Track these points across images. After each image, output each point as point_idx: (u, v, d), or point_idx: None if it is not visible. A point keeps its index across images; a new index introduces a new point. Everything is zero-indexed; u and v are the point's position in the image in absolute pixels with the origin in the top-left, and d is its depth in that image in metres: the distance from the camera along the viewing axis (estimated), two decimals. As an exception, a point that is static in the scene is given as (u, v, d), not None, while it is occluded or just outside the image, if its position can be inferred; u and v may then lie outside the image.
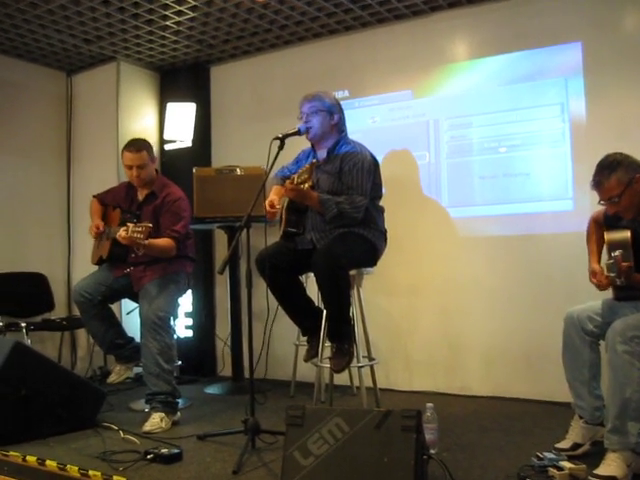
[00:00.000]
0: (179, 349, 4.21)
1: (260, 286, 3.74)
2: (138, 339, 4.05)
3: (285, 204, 3.81)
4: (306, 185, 3.51)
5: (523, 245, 4.41)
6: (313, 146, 3.90)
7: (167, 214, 4.01)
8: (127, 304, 4.53)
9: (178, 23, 4.83)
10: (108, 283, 4.05)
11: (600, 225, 3.22)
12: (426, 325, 4.72)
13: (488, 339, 4.50)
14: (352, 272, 3.66)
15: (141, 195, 4.16)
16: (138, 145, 4.07)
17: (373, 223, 3.75)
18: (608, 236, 3.02)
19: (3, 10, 4.51)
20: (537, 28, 4.39)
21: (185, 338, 5.48)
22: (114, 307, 4.22)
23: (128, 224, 3.67)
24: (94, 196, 4.37)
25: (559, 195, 4.30)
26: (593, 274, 3.06)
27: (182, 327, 5.52)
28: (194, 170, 4.88)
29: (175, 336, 4.03)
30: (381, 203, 3.88)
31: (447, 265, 4.65)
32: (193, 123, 5.60)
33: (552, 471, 2.79)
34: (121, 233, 3.67)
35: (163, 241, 3.91)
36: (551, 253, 4.31)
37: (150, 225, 3.65)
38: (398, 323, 4.80)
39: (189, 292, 4.65)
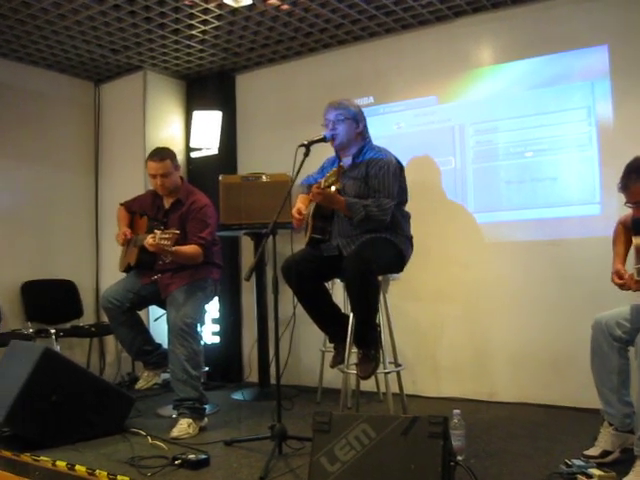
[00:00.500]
0: (206, 355, 4.23)
1: (286, 292, 3.76)
2: (166, 345, 4.08)
3: (311, 211, 3.82)
4: (333, 188, 3.52)
5: (550, 250, 4.38)
6: (337, 154, 3.92)
7: (193, 221, 4.04)
8: (155, 311, 4.57)
9: (204, 32, 4.87)
10: (136, 290, 4.09)
11: (627, 228, 3.19)
12: (452, 331, 4.70)
13: (515, 345, 4.48)
14: (379, 278, 3.66)
15: (167, 203, 4.20)
16: (161, 154, 4.11)
17: (399, 229, 3.76)
18: (637, 240, 2.99)
19: (32, 22, 4.59)
20: (562, 31, 4.37)
21: (212, 344, 5.51)
22: (142, 314, 4.26)
23: (155, 231, 3.71)
24: (121, 204, 4.43)
25: (586, 199, 4.27)
26: (617, 274, 3.03)
27: (209, 333, 5.55)
28: (220, 177, 4.92)
29: (202, 342, 4.04)
30: (406, 209, 3.88)
31: (473, 271, 4.64)
32: (219, 131, 5.64)
33: (581, 479, 2.77)
34: (148, 240, 3.70)
35: (190, 248, 3.93)
36: (578, 258, 4.27)
37: (177, 232, 3.68)
38: (424, 329, 4.80)
39: (216, 298, 4.67)
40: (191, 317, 3.89)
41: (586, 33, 4.28)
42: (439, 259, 4.74)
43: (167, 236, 3.64)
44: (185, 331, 3.83)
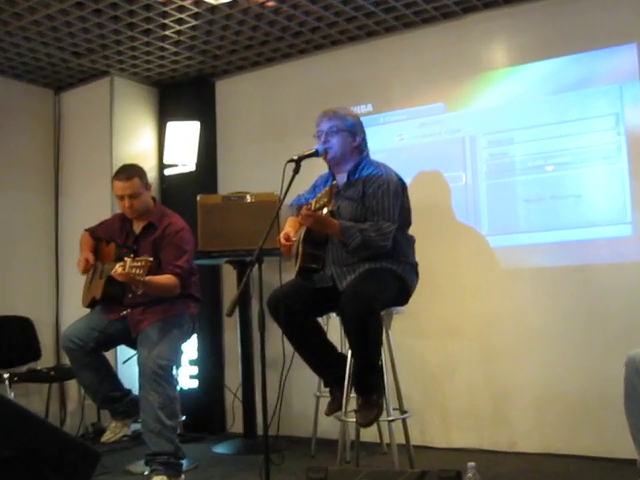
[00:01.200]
0: (183, 402, 4.24)
1: (274, 330, 3.74)
2: (136, 391, 4.07)
3: (301, 236, 3.81)
4: (325, 210, 3.53)
5: (575, 277, 4.40)
6: (331, 170, 3.94)
7: (168, 247, 4.06)
8: (123, 351, 4.57)
9: (178, 32, 4.92)
10: (102, 328, 4.09)
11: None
12: (465, 371, 4.71)
13: (538, 386, 4.48)
14: (381, 313, 3.64)
15: (137, 227, 4.22)
16: (129, 172, 4.14)
17: (403, 255, 3.76)
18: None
19: (-17, 22, 4.64)
20: (586, 29, 4.42)
21: (189, 390, 5.50)
22: (109, 355, 4.26)
23: (125, 259, 3.72)
24: (86, 230, 4.45)
25: (616, 219, 4.31)
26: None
27: (186, 377, 5.54)
28: (198, 198, 4.94)
29: (178, 387, 4.05)
30: (410, 232, 3.90)
31: (488, 302, 4.66)
32: (197, 144, 5.67)
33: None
34: (117, 269, 3.71)
35: (165, 278, 3.95)
36: (608, 286, 4.30)
37: (150, 259, 3.69)
38: (433, 369, 4.80)
39: (194, 337, 4.67)
40: (166, 358, 3.90)
41: (612, 30, 4.33)
42: (448, 289, 4.75)
43: (139, 264, 3.65)
44: (159, 374, 3.83)
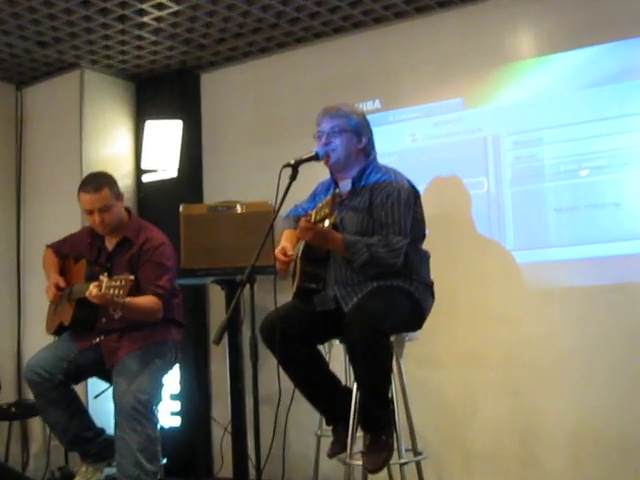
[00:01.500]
0: (164, 442, 4.19)
1: (269, 359, 3.75)
2: (110, 430, 4.05)
3: (300, 252, 3.82)
4: (327, 223, 3.49)
5: (614, 298, 4.39)
6: (333, 176, 3.92)
7: (148, 265, 4.05)
8: (95, 385, 4.54)
9: (158, 19, 4.92)
10: (71, 358, 4.07)
11: None
12: (489, 406, 4.70)
13: (571, 423, 4.47)
14: (391, 339, 3.64)
15: (110, 243, 4.21)
16: (96, 182, 4.11)
17: (416, 273, 3.75)
18: None
19: None
20: (625, 13, 4.42)
21: (171, 428, 5.48)
22: (78, 389, 4.24)
23: (101, 278, 3.69)
24: (48, 246, 4.43)
25: (661, 231, 4.32)
26: None
27: (167, 413, 5.52)
28: (181, 208, 4.95)
29: (159, 426, 4.03)
30: (424, 247, 3.87)
31: (514, 326, 4.64)
32: (179, 147, 5.68)
33: None
34: (92, 290, 3.68)
35: (146, 300, 3.94)
36: (652, 308, 4.30)
37: (131, 278, 3.67)
38: (452, 404, 4.79)
39: (176, 367, 4.66)
40: (146, 392, 3.89)
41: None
42: (468, 312, 4.75)
43: (118, 283, 3.62)
44: (139, 411, 3.82)
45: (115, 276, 3.69)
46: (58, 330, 4.21)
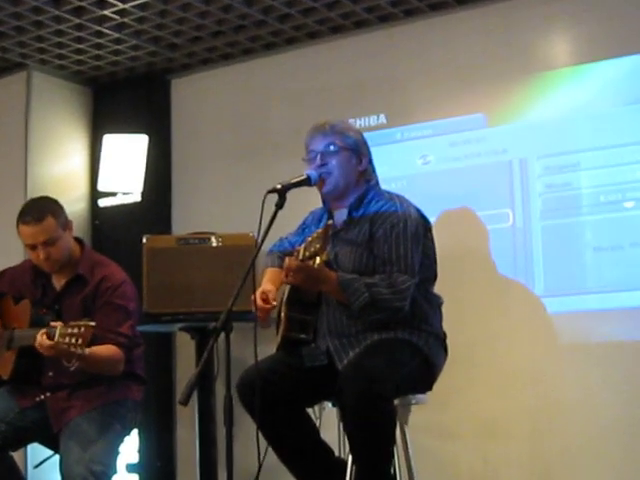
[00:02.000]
0: (118, 525, 4.18)
1: (247, 424, 3.76)
2: None
3: (285, 295, 3.81)
4: (318, 260, 3.46)
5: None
6: (326, 204, 3.92)
7: (106, 309, 4.02)
8: (36, 452, 4.54)
9: (122, 12, 4.99)
10: (9, 419, 4.02)
11: None
12: (512, 485, 4.72)
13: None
14: (394, 402, 3.57)
15: (59, 282, 4.18)
16: (38, 211, 4.07)
17: (424, 322, 3.73)
18: None
19: None
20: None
21: (126, 507, 5.48)
22: (16, 456, 4.19)
23: (52, 324, 3.68)
24: None
25: None
26: None
27: (122, 488, 5.52)
28: (144, 239, 4.98)
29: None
30: (436, 290, 3.88)
31: (543, 390, 4.66)
32: (144, 166, 5.72)
33: None
34: (42, 340, 3.67)
35: (107, 350, 3.90)
36: None
37: (92, 324, 3.63)
38: (470, 482, 4.81)
39: (134, 432, 4.63)
40: (102, 463, 3.85)
41: None
42: (487, 371, 4.77)
43: (76, 331, 3.59)
44: None
45: (72, 322, 3.65)
46: (-7, 381, 4.21)
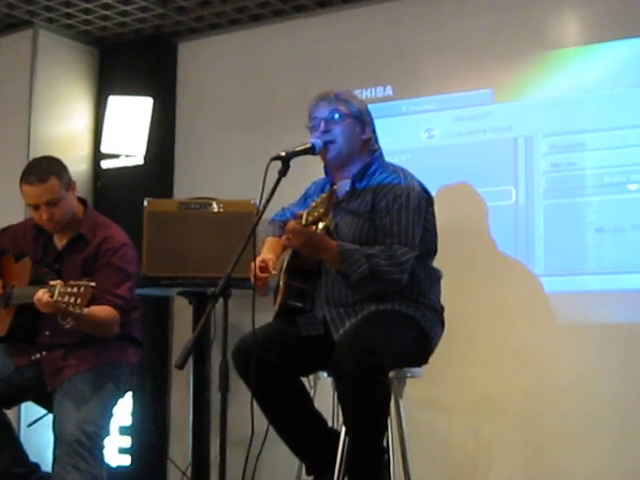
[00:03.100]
0: (109, 486, 4.18)
1: (241, 391, 3.74)
2: (46, 467, 4.06)
3: (285, 263, 3.81)
4: (321, 225, 3.48)
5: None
6: (329, 174, 3.94)
7: (105, 270, 4.02)
8: (29, 410, 4.55)
9: (131, -27, 4.96)
10: (5, 376, 4.04)
11: None
12: (504, 464, 4.72)
13: (606, 484, 4.49)
14: (390, 375, 3.58)
15: (60, 241, 4.19)
16: (42, 171, 4.07)
17: (423, 296, 3.75)
18: None
19: None
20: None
21: (118, 468, 5.49)
22: (9, 414, 4.20)
23: (52, 282, 3.67)
24: None
25: None
26: None
27: (114, 450, 5.52)
28: (145, 202, 4.97)
29: (106, 465, 4.04)
30: (435, 263, 3.88)
31: (537, 368, 4.67)
32: (147, 129, 5.71)
33: None
34: (42, 296, 3.67)
35: (103, 311, 3.91)
36: None
37: (92, 284, 3.62)
38: (459, 459, 4.82)
39: (128, 395, 4.64)
40: (95, 424, 3.86)
41: None
42: (483, 347, 4.77)
43: (75, 290, 3.58)
44: (84, 445, 3.78)
45: (72, 281, 3.63)
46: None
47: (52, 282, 3.68)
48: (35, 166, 4.17)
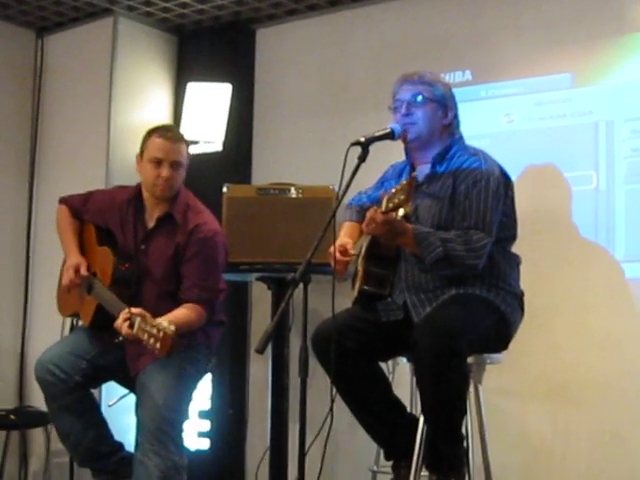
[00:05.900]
0: (189, 469, 4.12)
1: (320, 376, 3.77)
2: (128, 447, 4.10)
3: (364, 249, 3.82)
4: (401, 212, 3.51)
5: None
6: (409, 157, 3.92)
7: (195, 261, 4.02)
8: (111, 390, 4.57)
9: (209, -42, 4.99)
10: (90, 357, 4.06)
11: None
12: (583, 452, 4.68)
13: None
14: (469, 360, 3.59)
15: (151, 217, 4.16)
16: (178, 133, 4.17)
17: (502, 280, 3.74)
18: None
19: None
20: None
21: (198, 452, 5.51)
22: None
23: (132, 311, 3.64)
24: (62, 201, 4.38)
25: None
26: None
27: (193, 434, 5.53)
28: (225, 188, 5.01)
29: (186, 450, 4.08)
30: (514, 249, 3.87)
31: (618, 356, 4.62)
32: (226, 115, 5.72)
33: None
34: (121, 325, 3.66)
35: (187, 317, 3.91)
36: None
37: (173, 329, 3.51)
38: (536, 446, 4.78)
39: (207, 377, 4.70)
40: (175, 410, 3.91)
41: None
42: (563, 333, 4.74)
43: (155, 332, 3.53)
44: (164, 432, 3.84)
45: (152, 319, 3.59)
46: (74, 315, 4.27)
47: (133, 311, 3.67)
48: (170, 128, 4.28)
